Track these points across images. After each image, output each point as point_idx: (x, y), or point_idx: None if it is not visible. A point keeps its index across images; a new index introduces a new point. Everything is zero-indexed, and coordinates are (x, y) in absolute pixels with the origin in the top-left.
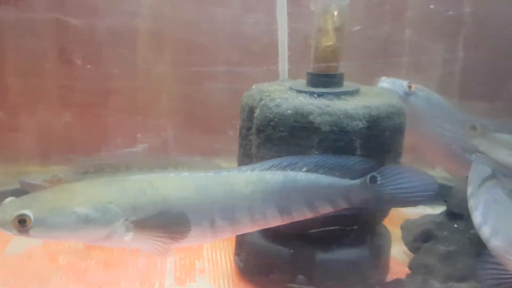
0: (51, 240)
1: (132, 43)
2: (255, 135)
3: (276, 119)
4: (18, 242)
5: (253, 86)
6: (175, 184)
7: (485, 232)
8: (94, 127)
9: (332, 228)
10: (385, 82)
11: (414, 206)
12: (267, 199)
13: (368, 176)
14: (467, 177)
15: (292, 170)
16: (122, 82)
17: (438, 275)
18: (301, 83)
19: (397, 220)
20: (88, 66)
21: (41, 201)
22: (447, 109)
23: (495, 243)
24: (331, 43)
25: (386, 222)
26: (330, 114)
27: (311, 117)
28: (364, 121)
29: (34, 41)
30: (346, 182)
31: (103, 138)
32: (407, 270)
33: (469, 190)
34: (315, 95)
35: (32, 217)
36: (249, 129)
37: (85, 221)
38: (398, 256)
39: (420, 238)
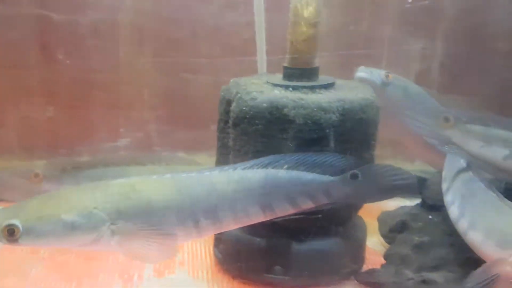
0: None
1: (114, 37)
2: (232, 128)
3: (251, 112)
4: None
5: (231, 80)
6: (157, 187)
7: (462, 225)
8: (77, 121)
9: (308, 218)
10: (362, 72)
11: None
12: (249, 197)
13: (349, 172)
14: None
15: (273, 168)
16: (104, 77)
17: (411, 265)
18: (278, 77)
19: (374, 212)
20: (70, 61)
21: (28, 210)
22: (424, 99)
23: (472, 236)
24: (305, 37)
25: (364, 214)
26: (304, 107)
27: (285, 110)
28: (337, 114)
29: (16, 36)
30: (327, 178)
31: (86, 133)
32: (383, 261)
33: (444, 186)
34: (290, 89)
35: (20, 227)
36: (226, 122)
37: (72, 228)
38: (375, 247)
39: (396, 229)
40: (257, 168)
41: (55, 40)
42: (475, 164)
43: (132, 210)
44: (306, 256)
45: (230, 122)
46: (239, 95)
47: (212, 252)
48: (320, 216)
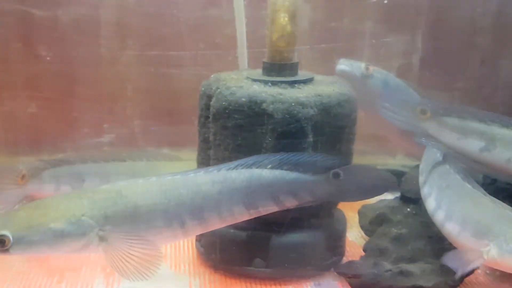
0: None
1: (97, 33)
2: (212, 123)
3: (230, 107)
4: None
5: (211, 76)
6: (143, 191)
7: (439, 217)
8: (60, 117)
9: (288, 211)
10: (343, 65)
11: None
12: (234, 197)
13: (331, 171)
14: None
15: (257, 168)
16: (87, 73)
17: (390, 257)
18: (258, 72)
19: (355, 205)
20: (53, 57)
21: (17, 220)
22: (404, 91)
23: (449, 227)
24: (284, 33)
25: (345, 207)
26: (282, 102)
27: (264, 105)
28: (315, 109)
29: None
30: (310, 177)
31: (69, 129)
32: (362, 253)
33: (421, 179)
34: (270, 84)
35: (10, 237)
36: (207, 117)
37: (62, 235)
38: (356, 240)
39: (375, 222)
40: (241, 169)
41: (38, 37)
42: (452, 156)
43: (119, 215)
44: (286, 248)
45: (210, 117)
46: (218, 90)
47: (194, 245)
48: (300, 209)
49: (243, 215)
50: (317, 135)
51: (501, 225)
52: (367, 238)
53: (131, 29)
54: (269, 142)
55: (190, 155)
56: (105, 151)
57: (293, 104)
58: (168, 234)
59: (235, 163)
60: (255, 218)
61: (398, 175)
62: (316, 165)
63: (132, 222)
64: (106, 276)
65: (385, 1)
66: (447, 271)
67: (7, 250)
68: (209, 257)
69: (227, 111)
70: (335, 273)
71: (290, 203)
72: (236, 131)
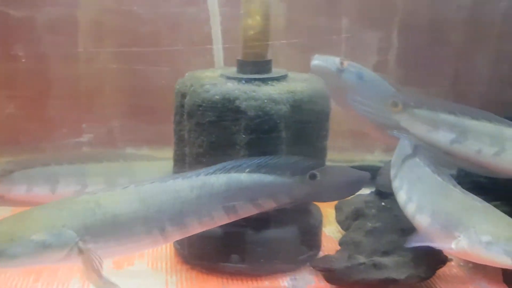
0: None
1: (74, 32)
2: (186, 121)
3: (204, 104)
4: None
5: (186, 74)
6: (122, 200)
7: (410, 209)
8: (38, 118)
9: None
10: (318, 60)
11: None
12: (213, 202)
13: (308, 173)
14: None
15: (236, 172)
16: (65, 72)
17: (364, 250)
18: (233, 70)
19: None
20: (30, 57)
21: None
22: (378, 85)
23: (420, 219)
24: (256, 31)
25: (324, 203)
26: (255, 99)
27: (237, 102)
28: (288, 105)
29: None
30: (288, 179)
31: (48, 129)
32: (339, 247)
33: (393, 172)
34: (243, 81)
35: None
36: (182, 115)
37: (43, 247)
38: (333, 235)
39: (351, 217)
40: (220, 173)
41: (15, 36)
42: (422, 148)
43: (99, 225)
44: (262, 244)
45: (185, 114)
46: (192, 88)
47: (171, 243)
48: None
49: (222, 219)
50: (290, 131)
51: (471, 217)
52: (343, 232)
53: (109, 27)
54: (243, 139)
55: (170, 154)
56: (82, 151)
57: (265, 101)
58: (148, 241)
59: (213, 167)
60: None
61: (376, 170)
62: (294, 167)
63: (112, 232)
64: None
65: None
66: (420, 264)
67: None
68: (186, 254)
69: (201, 109)
70: (311, 267)
71: (269, 205)
72: (210, 128)
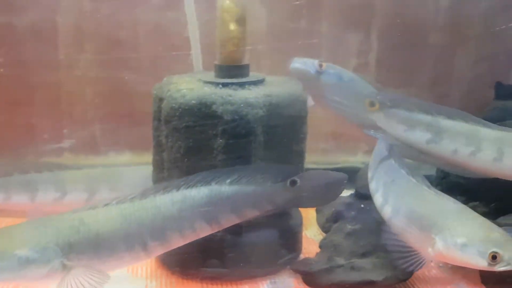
0: None
1: (54, 38)
2: (164, 126)
3: (181, 109)
4: None
5: (164, 78)
6: (104, 217)
7: (386, 211)
8: (19, 124)
9: None
10: (296, 63)
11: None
12: (195, 215)
13: (288, 180)
14: None
15: (216, 183)
16: (45, 79)
17: (343, 252)
18: (211, 74)
19: None
20: (10, 63)
21: None
22: (358, 85)
23: (396, 221)
24: (232, 35)
25: None
26: (231, 103)
27: (214, 107)
28: (264, 109)
29: None
30: (268, 187)
31: (29, 135)
32: (319, 250)
33: (370, 174)
34: (220, 86)
35: None
36: (159, 120)
37: (27, 263)
38: (314, 237)
39: (331, 219)
40: (200, 185)
41: None
42: (397, 150)
43: (82, 243)
44: (241, 247)
45: (162, 119)
46: (169, 92)
47: None
48: None
49: (205, 231)
50: (267, 135)
51: (445, 218)
52: (324, 235)
53: (88, 33)
54: (220, 143)
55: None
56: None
57: (242, 105)
58: (131, 257)
59: (194, 179)
60: None
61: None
62: (274, 175)
63: (95, 249)
64: None
65: None
66: (398, 265)
67: None
68: (165, 260)
69: (177, 114)
70: (291, 270)
71: (251, 214)
72: (187, 133)
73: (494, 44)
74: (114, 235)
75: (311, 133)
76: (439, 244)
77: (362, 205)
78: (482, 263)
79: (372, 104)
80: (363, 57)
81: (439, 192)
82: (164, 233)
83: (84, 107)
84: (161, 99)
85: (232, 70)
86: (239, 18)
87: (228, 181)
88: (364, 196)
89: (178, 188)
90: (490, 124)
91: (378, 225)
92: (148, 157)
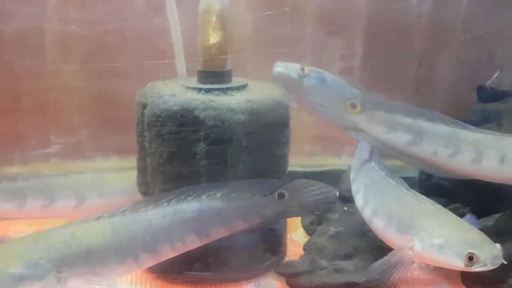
0: None
1: (40, 44)
2: (147, 131)
3: (163, 115)
4: None
5: (147, 84)
6: (95, 231)
7: (367, 213)
8: (6, 130)
9: None
10: (279, 67)
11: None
12: (185, 228)
13: (276, 192)
14: None
15: (207, 197)
16: (32, 85)
17: (327, 255)
18: (194, 80)
19: None
20: None
21: None
22: (340, 87)
23: (376, 223)
24: (214, 41)
25: None
26: (213, 109)
27: (196, 112)
28: (246, 114)
29: None
30: (257, 201)
31: (15, 141)
32: (303, 252)
33: (352, 176)
34: (203, 91)
35: None
36: (143, 126)
37: (20, 279)
38: (299, 240)
39: (316, 221)
40: (191, 198)
41: None
42: (377, 152)
43: (74, 257)
44: (225, 251)
45: (145, 125)
46: (152, 98)
47: None
48: None
49: (195, 243)
50: (249, 140)
51: (423, 220)
52: (309, 237)
53: (75, 39)
54: (202, 148)
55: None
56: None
57: (224, 110)
58: (122, 269)
59: (184, 193)
60: None
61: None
62: (262, 188)
63: (87, 263)
64: None
65: None
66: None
67: None
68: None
69: (160, 119)
70: (275, 273)
71: (241, 226)
72: (170, 138)
73: (476, 48)
74: (106, 248)
75: (297, 136)
76: (417, 245)
77: (345, 208)
78: (459, 264)
79: (353, 106)
80: (347, 61)
81: (417, 193)
82: (155, 246)
83: (71, 113)
84: (144, 105)
85: (214, 76)
86: (221, 24)
87: (218, 195)
88: (347, 198)
89: (169, 201)
90: (470, 126)
91: (361, 227)
92: (134, 161)
